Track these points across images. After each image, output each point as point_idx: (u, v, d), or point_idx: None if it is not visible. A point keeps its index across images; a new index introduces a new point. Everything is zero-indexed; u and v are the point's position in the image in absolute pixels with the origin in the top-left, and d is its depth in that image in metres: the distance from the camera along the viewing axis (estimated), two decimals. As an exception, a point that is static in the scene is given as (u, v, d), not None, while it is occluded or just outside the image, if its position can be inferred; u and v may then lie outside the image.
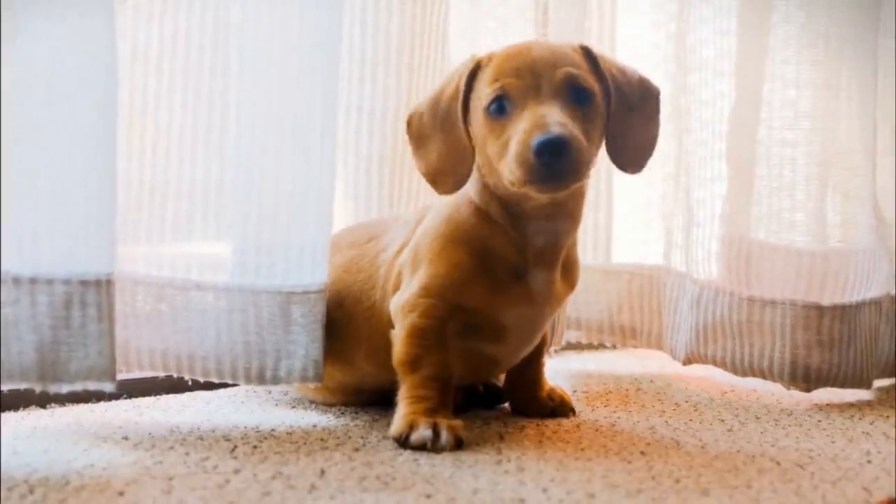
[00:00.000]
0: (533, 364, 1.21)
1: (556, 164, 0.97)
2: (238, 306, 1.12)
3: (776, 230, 1.40)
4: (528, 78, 1.03)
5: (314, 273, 1.13)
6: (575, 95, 1.03)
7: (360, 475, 0.92)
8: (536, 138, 0.97)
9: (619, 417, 1.21)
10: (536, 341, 1.17)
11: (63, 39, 0.97)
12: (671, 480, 0.93)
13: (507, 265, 1.09)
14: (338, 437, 1.08)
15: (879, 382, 1.46)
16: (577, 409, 1.23)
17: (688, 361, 1.44)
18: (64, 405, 1.18)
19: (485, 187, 1.09)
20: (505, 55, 1.06)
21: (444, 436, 1.02)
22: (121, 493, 0.85)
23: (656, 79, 1.53)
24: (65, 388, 0.98)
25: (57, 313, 0.97)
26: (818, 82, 1.39)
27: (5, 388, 0.98)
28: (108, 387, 0.99)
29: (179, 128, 1.13)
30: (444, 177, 1.09)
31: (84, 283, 0.98)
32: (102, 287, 0.99)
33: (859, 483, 0.94)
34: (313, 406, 1.24)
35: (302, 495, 0.86)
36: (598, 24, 1.53)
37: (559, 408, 1.21)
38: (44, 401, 1.17)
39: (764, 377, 1.38)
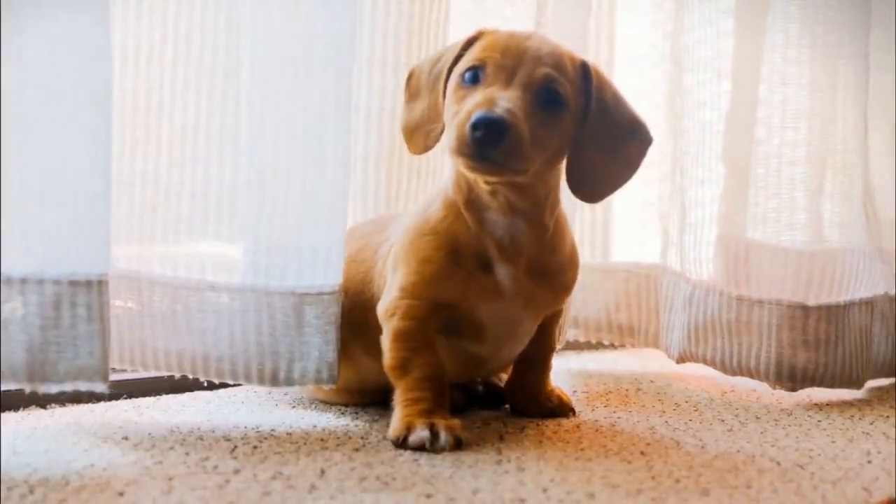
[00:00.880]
0: (534, 367, 1.21)
1: (488, 145, 0.97)
2: (251, 307, 1.12)
3: (773, 230, 1.40)
4: (510, 60, 1.03)
5: (327, 274, 1.13)
6: (545, 97, 1.02)
7: (360, 475, 0.92)
8: (477, 113, 0.97)
9: (619, 417, 1.21)
10: (523, 340, 1.16)
11: (56, 38, 0.97)
12: (671, 480, 0.93)
13: (474, 257, 1.08)
14: (338, 437, 1.08)
15: (876, 382, 1.46)
16: (577, 409, 1.23)
17: (681, 360, 1.44)
18: (64, 405, 1.18)
19: (456, 172, 1.09)
20: (504, 33, 1.07)
21: (443, 436, 1.02)
22: (121, 493, 0.85)
23: (654, 78, 1.55)
24: (54, 389, 0.97)
25: (47, 313, 0.97)
26: (814, 82, 1.39)
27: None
28: (100, 387, 0.99)
29: (193, 129, 1.14)
30: (418, 135, 1.11)
31: (74, 284, 0.98)
32: (94, 287, 0.99)
33: (859, 483, 0.94)
34: (313, 406, 1.24)
35: (302, 495, 0.86)
36: (595, 22, 1.52)
37: (559, 408, 1.21)
38: (44, 401, 1.17)
39: (751, 376, 1.38)
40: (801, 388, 1.36)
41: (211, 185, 1.14)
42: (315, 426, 1.13)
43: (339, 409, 1.22)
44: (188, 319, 1.13)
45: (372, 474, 0.93)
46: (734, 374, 1.39)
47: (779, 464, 1.01)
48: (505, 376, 1.26)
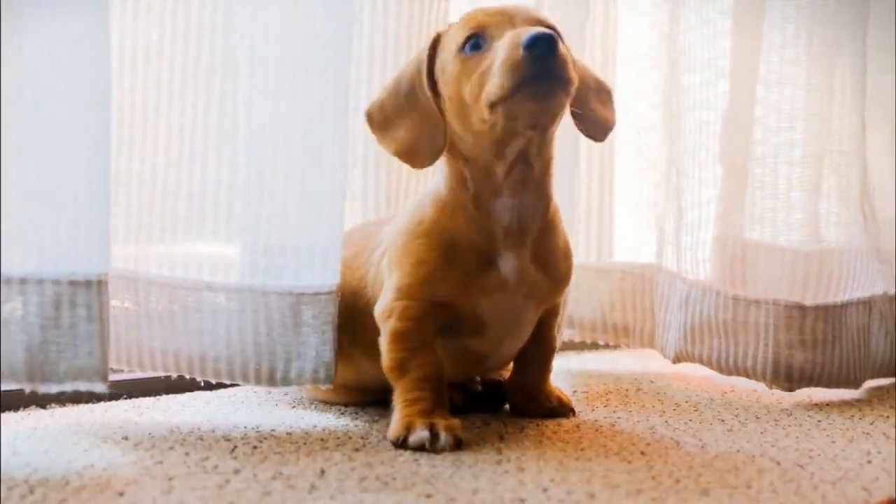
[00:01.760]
0: (534, 366, 1.21)
1: (548, 58, 0.97)
2: (249, 307, 1.12)
3: (770, 230, 1.40)
4: (499, 17, 1.03)
5: (325, 274, 1.13)
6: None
7: (360, 475, 0.92)
8: (526, 35, 0.97)
9: (619, 417, 1.21)
10: (524, 334, 1.16)
11: (55, 38, 0.97)
12: (671, 480, 0.93)
13: (474, 253, 1.08)
14: (338, 437, 1.08)
15: (874, 382, 1.46)
16: (577, 409, 1.23)
17: (677, 360, 1.44)
18: (64, 405, 1.18)
19: (453, 171, 1.09)
20: (471, 14, 1.07)
21: (443, 436, 1.02)
22: (121, 494, 0.85)
23: (654, 79, 1.55)
24: (54, 389, 0.97)
25: (46, 313, 0.97)
26: (812, 82, 1.39)
27: (-1, 388, 0.98)
28: (100, 387, 0.99)
29: (191, 128, 1.14)
30: (419, 149, 1.09)
31: (74, 284, 0.98)
32: (93, 287, 0.99)
33: (859, 483, 0.94)
34: (313, 406, 1.24)
35: (302, 495, 0.86)
36: (593, 23, 1.52)
37: (559, 408, 1.21)
38: (44, 401, 1.17)
39: (748, 376, 1.38)
40: (798, 388, 1.36)
41: (208, 185, 1.14)
42: (315, 426, 1.13)
43: (339, 409, 1.22)
44: (185, 319, 1.13)
45: (372, 474, 0.93)
46: (730, 374, 1.39)
47: (779, 464, 1.01)
48: (505, 373, 1.26)
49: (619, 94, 1.57)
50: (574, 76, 1.01)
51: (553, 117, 1.05)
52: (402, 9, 1.34)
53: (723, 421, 1.21)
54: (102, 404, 1.20)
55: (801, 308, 1.35)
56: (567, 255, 1.16)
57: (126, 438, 1.04)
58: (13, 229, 0.96)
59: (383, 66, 1.33)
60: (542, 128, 1.05)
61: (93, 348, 0.98)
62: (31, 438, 1.03)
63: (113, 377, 1.20)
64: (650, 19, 1.57)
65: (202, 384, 1.21)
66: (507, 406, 1.24)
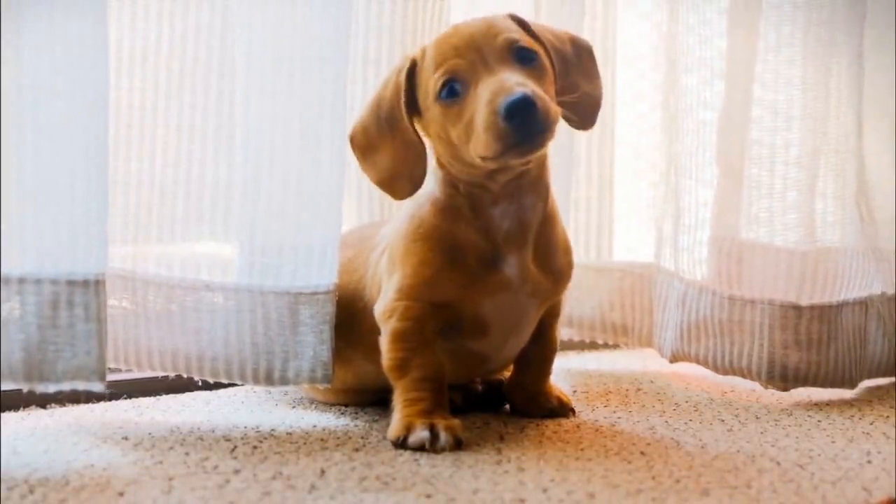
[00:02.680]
0: (534, 367, 1.20)
1: (528, 123, 0.97)
2: (246, 307, 1.12)
3: (766, 230, 1.40)
4: (471, 54, 1.02)
5: (322, 273, 1.13)
6: (521, 57, 1.03)
7: (360, 475, 0.92)
8: (503, 102, 0.96)
9: (619, 417, 1.21)
10: (526, 334, 1.16)
11: (54, 39, 0.97)
12: (671, 480, 0.93)
13: (477, 256, 1.08)
14: (338, 437, 1.08)
15: (872, 382, 1.46)
16: (577, 409, 1.23)
17: (674, 359, 1.44)
18: (64, 405, 1.18)
19: (446, 180, 1.09)
20: (440, 41, 1.06)
21: (443, 436, 1.02)
22: (121, 494, 0.85)
23: (653, 80, 1.55)
24: (52, 388, 0.98)
25: (44, 313, 0.97)
26: (808, 82, 1.39)
27: (-1, 388, 0.98)
28: (97, 387, 0.99)
29: (189, 128, 1.14)
30: (400, 180, 1.09)
31: (71, 283, 0.98)
32: (91, 287, 0.99)
33: (859, 483, 0.94)
34: (313, 406, 1.24)
35: (302, 495, 0.86)
36: (592, 24, 1.52)
37: (559, 408, 1.20)
38: (44, 401, 1.17)
39: (743, 376, 1.38)
40: (793, 387, 1.36)
41: (206, 185, 1.14)
42: (315, 426, 1.13)
43: (339, 409, 1.22)
44: (183, 319, 1.13)
45: (372, 474, 0.93)
46: (726, 373, 1.39)
47: (779, 464, 1.01)
48: (506, 373, 1.26)
49: (620, 96, 1.58)
50: (556, 113, 1.00)
51: (543, 152, 1.05)
52: (396, 8, 1.34)
53: (723, 421, 1.21)
54: (102, 404, 1.20)
55: (797, 308, 1.35)
56: (567, 249, 1.16)
57: (126, 438, 1.04)
58: (11, 229, 0.96)
59: (376, 66, 1.33)
60: (530, 166, 1.06)
61: (90, 348, 0.98)
62: (31, 438, 1.03)
63: (113, 377, 1.20)
64: (651, 20, 1.57)
65: (202, 384, 1.21)
66: (507, 406, 1.24)
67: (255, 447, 1.02)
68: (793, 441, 1.11)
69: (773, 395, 1.38)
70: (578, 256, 1.20)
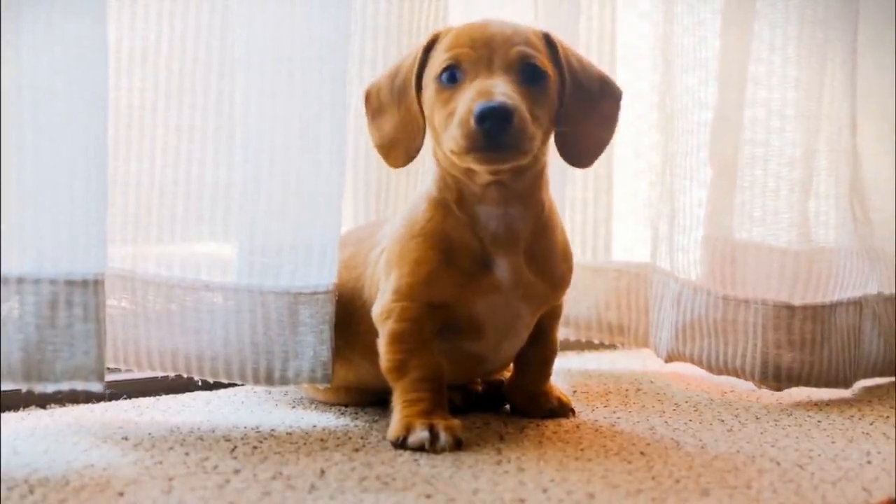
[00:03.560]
0: (535, 367, 1.20)
1: (498, 133, 0.97)
2: (246, 307, 1.12)
3: (759, 230, 1.40)
4: (482, 50, 1.03)
5: (322, 273, 1.13)
6: (527, 74, 1.03)
7: (360, 475, 0.92)
8: (479, 105, 0.97)
9: (619, 417, 1.21)
10: (522, 336, 1.16)
11: (53, 39, 0.97)
12: (671, 480, 0.93)
13: (469, 255, 1.08)
14: (338, 437, 1.08)
15: (871, 382, 1.46)
16: (577, 409, 1.23)
17: (669, 359, 1.45)
18: (64, 405, 1.18)
19: (439, 174, 1.10)
20: (464, 27, 1.07)
21: (443, 436, 1.02)
22: (121, 494, 0.85)
23: (652, 81, 1.55)
24: (50, 388, 0.98)
25: (43, 313, 0.97)
26: (801, 82, 1.39)
27: (-1, 388, 0.98)
28: (96, 386, 0.99)
29: (188, 128, 1.14)
30: (396, 149, 1.10)
31: (70, 283, 0.98)
32: (90, 287, 0.99)
33: (859, 483, 0.94)
34: (313, 406, 1.24)
35: (302, 495, 0.86)
36: (586, 23, 1.52)
37: (559, 408, 1.20)
38: (43, 401, 1.17)
39: (737, 376, 1.38)
40: (787, 387, 1.36)
41: (206, 185, 1.14)
42: (315, 426, 1.13)
43: (339, 409, 1.22)
44: (183, 319, 1.13)
45: (372, 474, 0.93)
46: (720, 373, 1.39)
47: (779, 464, 1.01)
48: (506, 373, 1.26)
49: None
50: (533, 136, 1.00)
51: (510, 171, 1.05)
52: (392, 9, 1.34)
53: (723, 421, 1.21)
54: (102, 404, 1.20)
55: (790, 308, 1.36)
56: (566, 256, 1.16)
57: (126, 438, 1.04)
58: (10, 229, 0.96)
59: (372, 66, 1.33)
60: (501, 178, 1.06)
61: (89, 348, 0.99)
62: (31, 438, 1.03)
63: (113, 377, 1.20)
64: (650, 19, 1.57)
65: (202, 384, 1.21)
66: (507, 406, 1.24)
67: (255, 447, 1.02)
68: (793, 441, 1.11)
69: (772, 396, 1.38)
70: (575, 256, 1.21)
